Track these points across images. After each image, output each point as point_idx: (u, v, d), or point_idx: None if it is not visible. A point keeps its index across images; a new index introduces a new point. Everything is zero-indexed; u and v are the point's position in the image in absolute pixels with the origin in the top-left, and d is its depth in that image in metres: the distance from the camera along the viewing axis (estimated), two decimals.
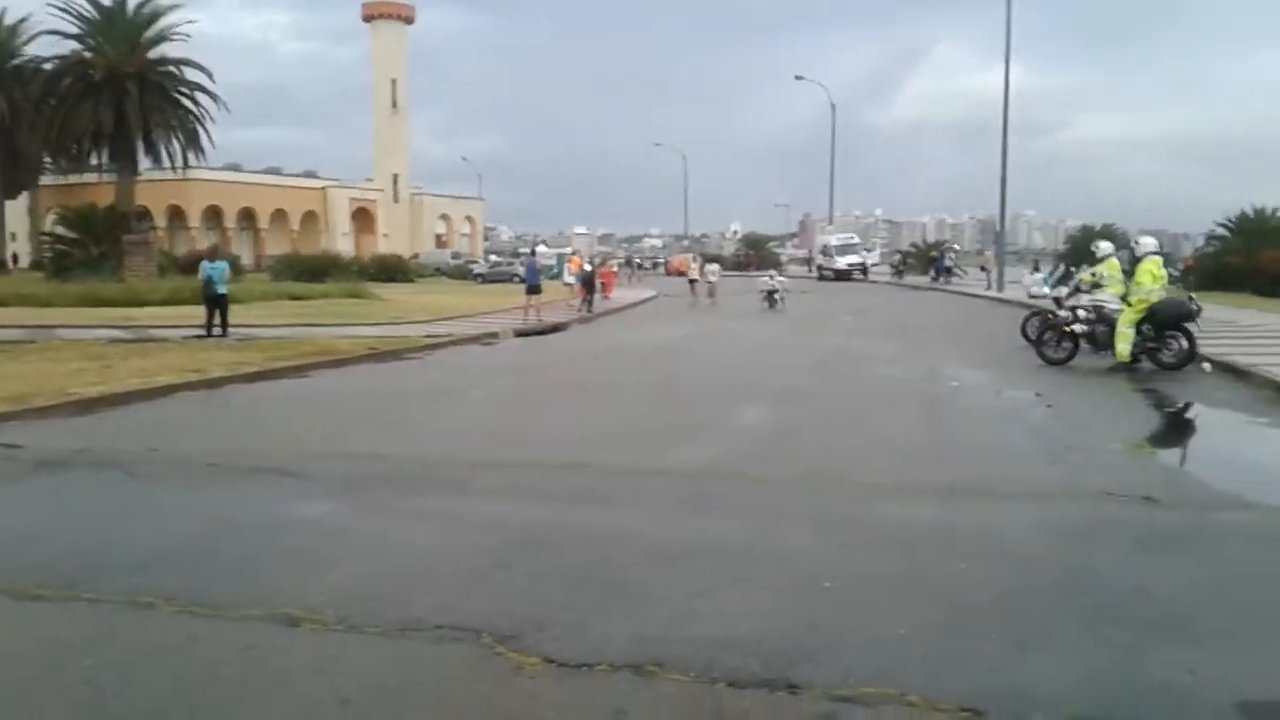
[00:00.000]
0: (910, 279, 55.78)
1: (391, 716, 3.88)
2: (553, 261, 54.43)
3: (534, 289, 26.65)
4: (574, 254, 40.62)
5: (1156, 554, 6.05)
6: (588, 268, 33.43)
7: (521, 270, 39.64)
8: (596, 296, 31.94)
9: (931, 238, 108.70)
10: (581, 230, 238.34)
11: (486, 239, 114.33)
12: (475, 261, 71.90)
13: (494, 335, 22.58)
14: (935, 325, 25.86)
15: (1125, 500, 7.23)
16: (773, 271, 38.72)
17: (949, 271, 50.06)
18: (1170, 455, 10.27)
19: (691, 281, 39.68)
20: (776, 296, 32.00)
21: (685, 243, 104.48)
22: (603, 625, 4.72)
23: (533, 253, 44.87)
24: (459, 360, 18.12)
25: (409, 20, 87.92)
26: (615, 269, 48.19)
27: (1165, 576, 5.54)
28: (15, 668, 4.28)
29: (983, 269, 51.54)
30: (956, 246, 69.51)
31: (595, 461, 8.72)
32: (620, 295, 38.77)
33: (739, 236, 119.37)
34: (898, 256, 68.65)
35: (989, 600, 5.10)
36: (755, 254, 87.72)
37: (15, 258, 61.02)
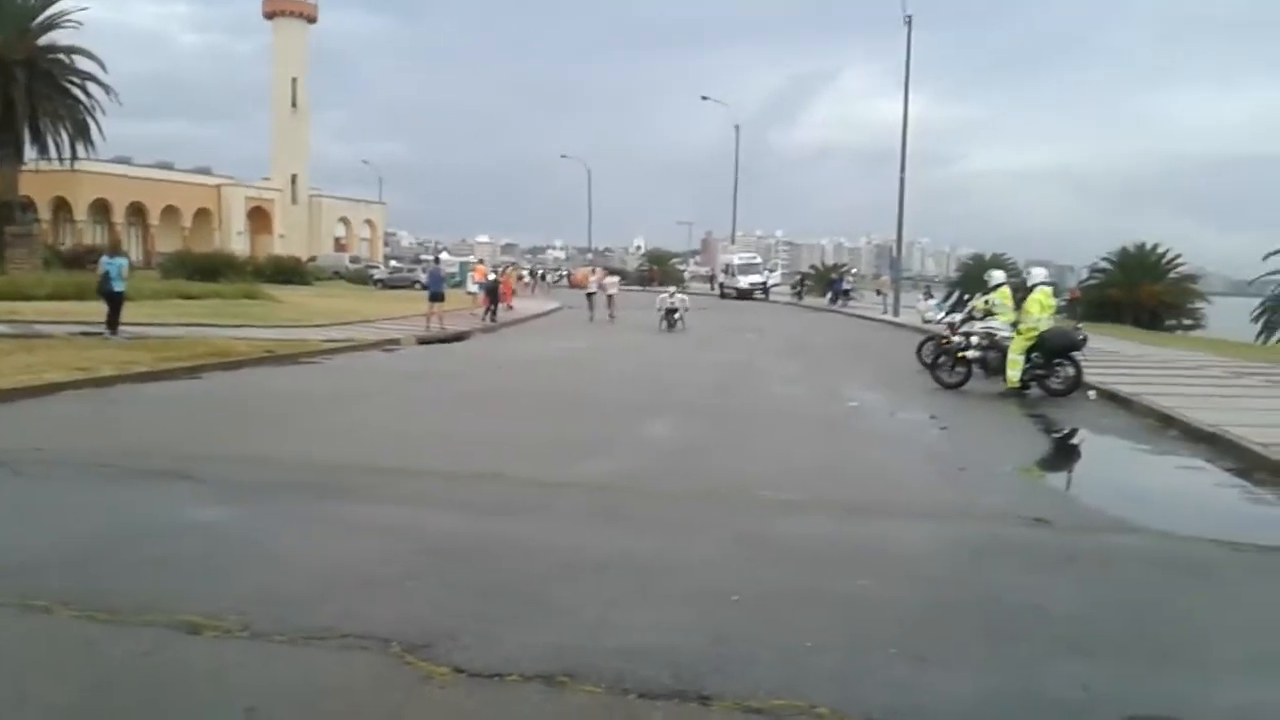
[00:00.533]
0: (809, 300, 56.90)
1: None
2: (455, 269, 54.01)
3: (437, 296, 26.49)
4: (479, 262, 40.37)
5: (1049, 574, 6.29)
6: (491, 276, 33.24)
7: (423, 277, 39.23)
8: (499, 306, 31.74)
9: (830, 260, 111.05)
10: (484, 239, 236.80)
11: (387, 244, 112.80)
12: (375, 266, 70.91)
13: (395, 342, 22.28)
14: (834, 346, 26.42)
15: (1018, 521, 7.50)
16: (673, 288, 36.46)
17: (847, 294, 51.24)
18: (1059, 479, 10.66)
19: (589, 295, 36.60)
20: (676, 316, 30.01)
21: (589, 255, 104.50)
22: (515, 635, 4.71)
23: (436, 260, 44.47)
24: (360, 365, 17.84)
25: (312, 19, 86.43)
26: (524, 277, 47.57)
27: (1058, 596, 5.76)
28: None
29: (879, 293, 52.87)
30: (855, 270, 71.17)
31: (505, 471, 8.68)
32: (523, 306, 38.59)
33: (643, 251, 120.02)
34: (798, 277, 69.90)
35: (891, 616, 5.24)
36: (659, 269, 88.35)
37: None
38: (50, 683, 4.03)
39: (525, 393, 15.02)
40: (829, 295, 52.13)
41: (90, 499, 7.29)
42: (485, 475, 8.55)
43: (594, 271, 46.91)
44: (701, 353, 22.79)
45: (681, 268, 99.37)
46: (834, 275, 59.16)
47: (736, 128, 64.85)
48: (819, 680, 4.32)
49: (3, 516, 6.71)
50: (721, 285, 63.94)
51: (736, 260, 63.31)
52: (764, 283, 61.07)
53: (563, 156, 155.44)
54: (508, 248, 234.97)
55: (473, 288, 35.29)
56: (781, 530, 7.13)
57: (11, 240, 33.92)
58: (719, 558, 6.28)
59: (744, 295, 58.37)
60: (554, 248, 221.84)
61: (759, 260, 69.27)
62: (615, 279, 40.59)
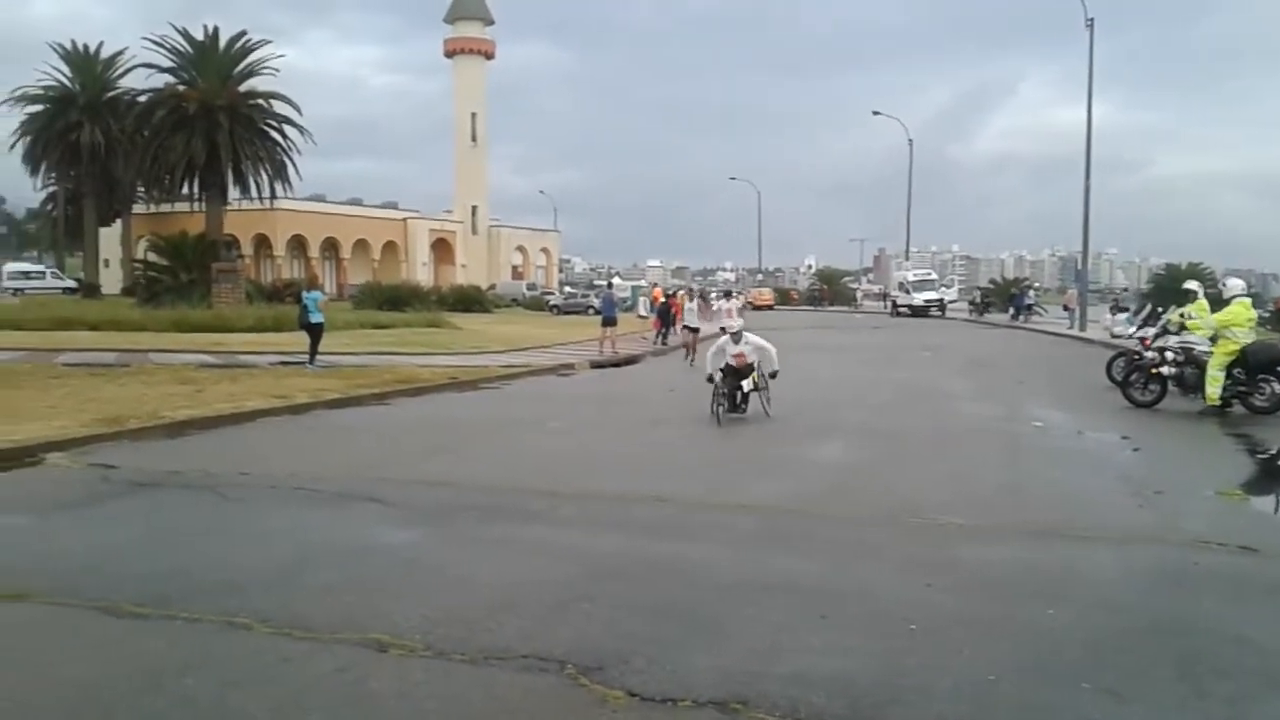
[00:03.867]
0: (988, 317, 54.99)
1: None
2: (627, 294, 54.81)
3: (610, 321, 26.81)
4: (654, 286, 40.74)
5: (1256, 604, 5.86)
6: (661, 300, 33.50)
7: (597, 302, 39.91)
8: (670, 330, 31.95)
9: (1010, 274, 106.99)
10: (655, 263, 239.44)
11: (561, 271, 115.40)
12: (551, 293, 72.61)
13: (570, 366, 22.75)
14: (1016, 364, 25.41)
15: (1221, 548, 7.03)
16: (735, 321, 19.31)
17: (1029, 309, 49.24)
18: (1266, 503, 9.94)
19: (688, 328, 26.25)
20: (746, 389, 14.06)
21: (759, 277, 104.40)
22: (686, 660, 4.72)
23: (609, 285, 45.18)
24: (536, 390, 18.29)
25: (489, 55, 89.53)
26: (719, 305, 45.19)
27: (1266, 628, 5.36)
28: (117, 687, 4.40)
29: (1065, 308, 50.57)
30: (1037, 284, 68.37)
31: (674, 494, 8.72)
32: (728, 325, 38.59)
33: (813, 270, 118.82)
34: (977, 293, 67.57)
35: (1080, 645, 4.99)
36: (829, 288, 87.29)
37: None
38: (250, 698, 4.28)
39: (694, 415, 15.05)
40: (1010, 311, 50.24)
41: (287, 520, 7.72)
42: (656, 498, 8.60)
43: (695, 296, 30.66)
44: (874, 371, 22.33)
45: (854, 286, 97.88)
46: (1015, 290, 56.97)
47: (910, 142, 63.64)
48: (1003, 714, 4.16)
49: (207, 537, 7.18)
50: (895, 302, 62.55)
51: (911, 276, 61.85)
52: (940, 299, 59.40)
53: (731, 178, 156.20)
54: (678, 271, 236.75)
55: (644, 311, 35.67)
56: (961, 555, 6.89)
57: (218, 276, 36.27)
58: (894, 583, 6.12)
59: (919, 312, 56.94)
60: (724, 269, 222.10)
61: (934, 276, 67.46)
62: (733, 303, 29.08)
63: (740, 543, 7.14)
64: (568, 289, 79.21)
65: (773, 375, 14.33)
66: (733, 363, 13.96)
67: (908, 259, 71.65)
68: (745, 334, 14.45)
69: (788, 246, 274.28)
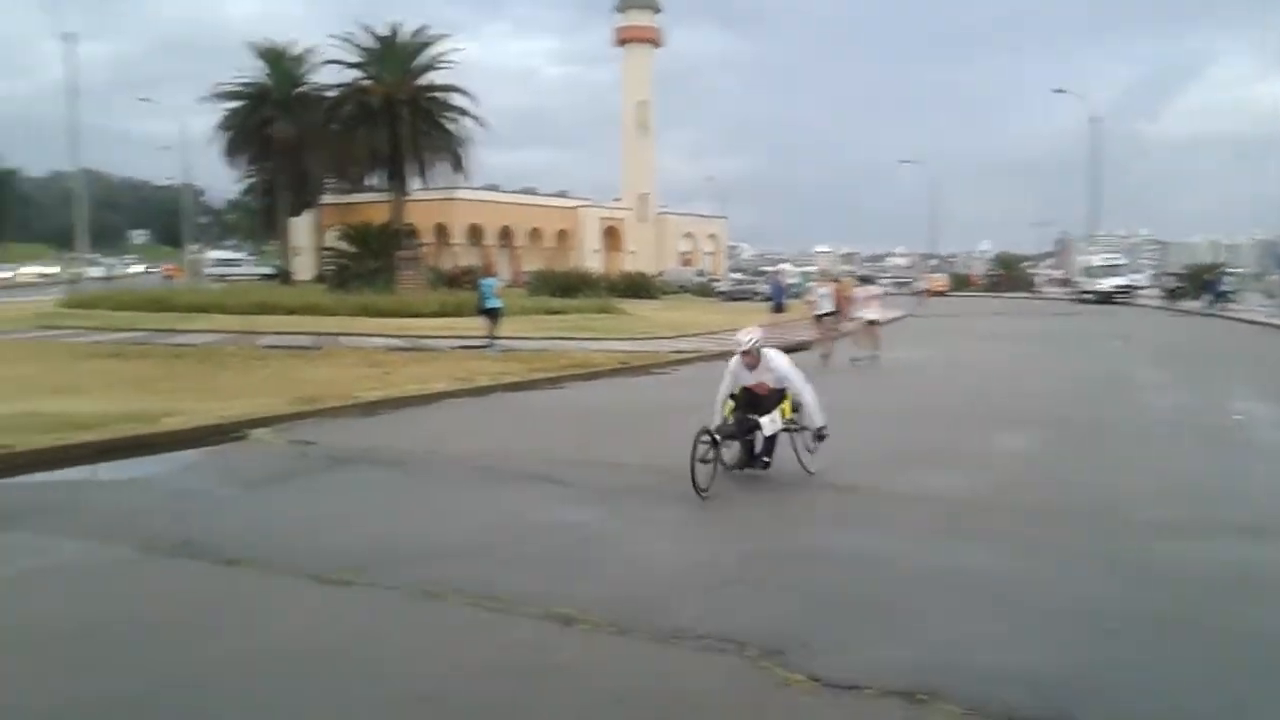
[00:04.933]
0: (1180, 304, 51.92)
1: (662, 718, 4.01)
2: (796, 280, 54.28)
3: (778, 307, 26.60)
4: (824, 272, 40.18)
5: None
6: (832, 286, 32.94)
7: (766, 288, 39.67)
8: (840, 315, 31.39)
9: (1203, 259, 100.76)
10: (824, 248, 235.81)
11: (729, 257, 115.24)
12: (718, 279, 72.63)
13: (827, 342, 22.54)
14: (1212, 353, 23.94)
15: None
16: (751, 335, 8.83)
17: (1225, 296, 46.18)
18: None
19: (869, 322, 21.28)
20: (760, 433, 8.58)
21: (933, 262, 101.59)
22: (869, 648, 4.68)
23: (778, 271, 44.85)
24: (705, 375, 18.26)
25: (657, 43, 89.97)
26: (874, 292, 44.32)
27: None
28: (326, 649, 4.68)
29: (1270, 295, 47.20)
30: (1235, 269, 64.12)
31: (852, 482, 8.62)
32: (864, 315, 37.98)
33: (990, 255, 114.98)
34: (1171, 279, 63.71)
35: None
36: (1008, 274, 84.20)
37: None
38: (447, 662, 4.48)
39: (867, 402, 14.81)
40: (1204, 298, 47.24)
41: (472, 497, 8.03)
42: (832, 485, 8.52)
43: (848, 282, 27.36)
44: (1060, 360, 21.43)
45: (1032, 271, 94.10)
46: (1209, 275, 53.53)
47: (1093, 121, 60.52)
48: (1199, 718, 3.95)
49: (401, 511, 7.54)
50: (1079, 289, 59.77)
51: (1096, 261, 58.93)
52: (1128, 285, 56.41)
53: (903, 162, 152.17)
54: (848, 256, 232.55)
55: (828, 308, 35.12)
56: (1161, 552, 6.57)
57: (401, 263, 37.78)
58: (1084, 579, 5.89)
59: (1105, 299, 54.19)
60: (895, 255, 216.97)
61: (1123, 261, 64.13)
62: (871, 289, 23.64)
63: (923, 533, 7.00)
64: (735, 275, 79.03)
65: (819, 436, 8.78)
66: (750, 385, 8.65)
67: (1093, 243, 68.37)
68: (766, 352, 8.60)
69: (963, 231, 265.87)
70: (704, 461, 7.81)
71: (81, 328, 23.63)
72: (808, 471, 8.62)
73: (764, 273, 66.29)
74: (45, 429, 9.47)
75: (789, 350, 22.53)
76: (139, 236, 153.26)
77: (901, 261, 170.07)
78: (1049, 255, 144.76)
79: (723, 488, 8.10)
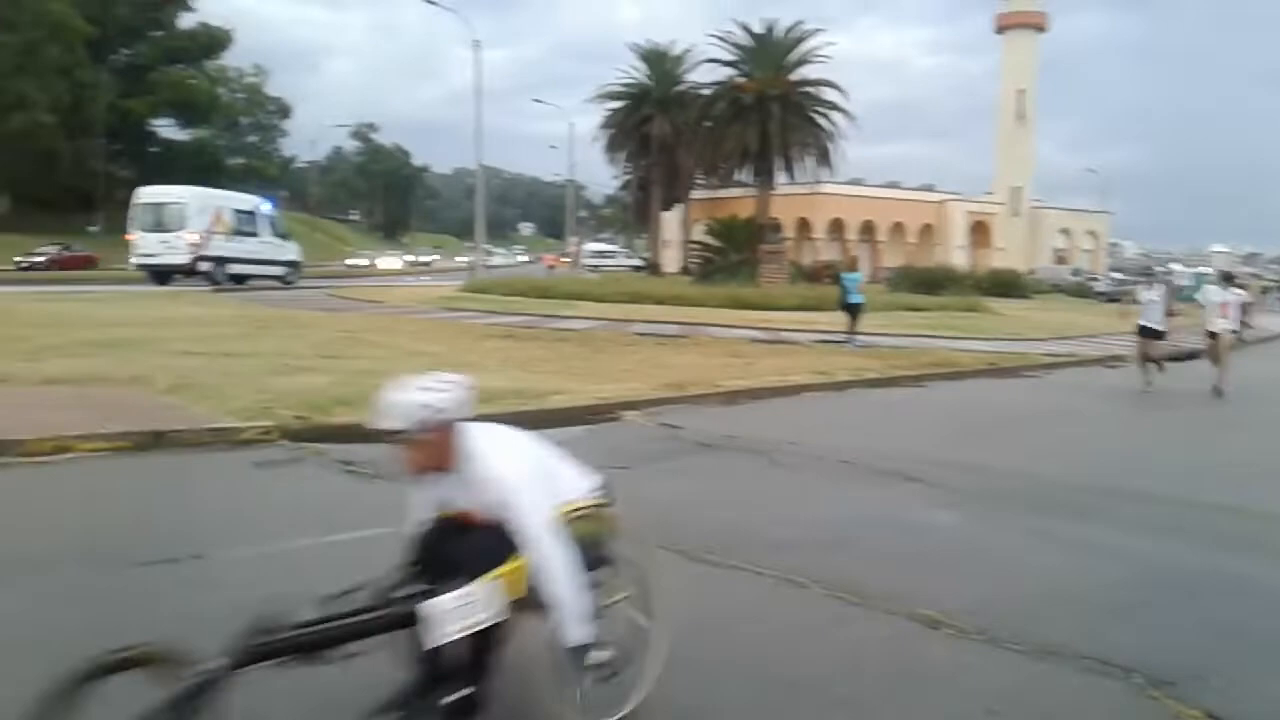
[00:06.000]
0: None
1: None
2: (1188, 281, 49.51)
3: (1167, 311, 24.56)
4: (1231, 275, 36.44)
5: None
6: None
7: (1153, 294, 36.57)
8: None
9: None
10: (1220, 248, 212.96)
11: (1110, 255, 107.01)
12: (1096, 279, 67.71)
13: (1119, 358, 21.06)
14: None
15: None
16: None
17: None
18: None
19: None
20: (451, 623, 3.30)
21: None
22: (1271, 687, 4.24)
23: (1168, 271, 41.25)
24: (1080, 381, 17.24)
25: (1041, 28, 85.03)
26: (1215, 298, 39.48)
27: None
28: (689, 624, 4.87)
29: None
30: None
31: (1252, 506, 7.80)
32: (1266, 323, 34.10)
33: None
34: None
35: None
36: None
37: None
38: (810, 648, 4.55)
39: (1271, 419, 13.31)
40: None
41: (832, 490, 8.06)
42: (1227, 507, 7.76)
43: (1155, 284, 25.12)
44: None
45: None
46: None
47: None
48: None
49: (763, 498, 7.71)
50: None
51: None
52: None
53: None
54: (1250, 257, 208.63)
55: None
56: None
57: (764, 257, 38.39)
58: None
59: None
60: None
61: None
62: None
63: None
64: (1116, 275, 73.23)
65: (591, 664, 3.41)
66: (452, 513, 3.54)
67: None
68: (470, 435, 3.47)
69: None
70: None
71: (478, 310, 26.07)
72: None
73: (1151, 273, 61.05)
74: None
75: (1176, 359, 20.58)
76: (526, 228, 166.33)
77: None
78: None
79: (1098, 502, 7.57)
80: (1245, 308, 18.14)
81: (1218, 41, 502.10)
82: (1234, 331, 16.45)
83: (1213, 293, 16.96)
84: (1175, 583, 5.79)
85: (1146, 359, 16.03)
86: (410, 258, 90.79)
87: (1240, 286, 19.04)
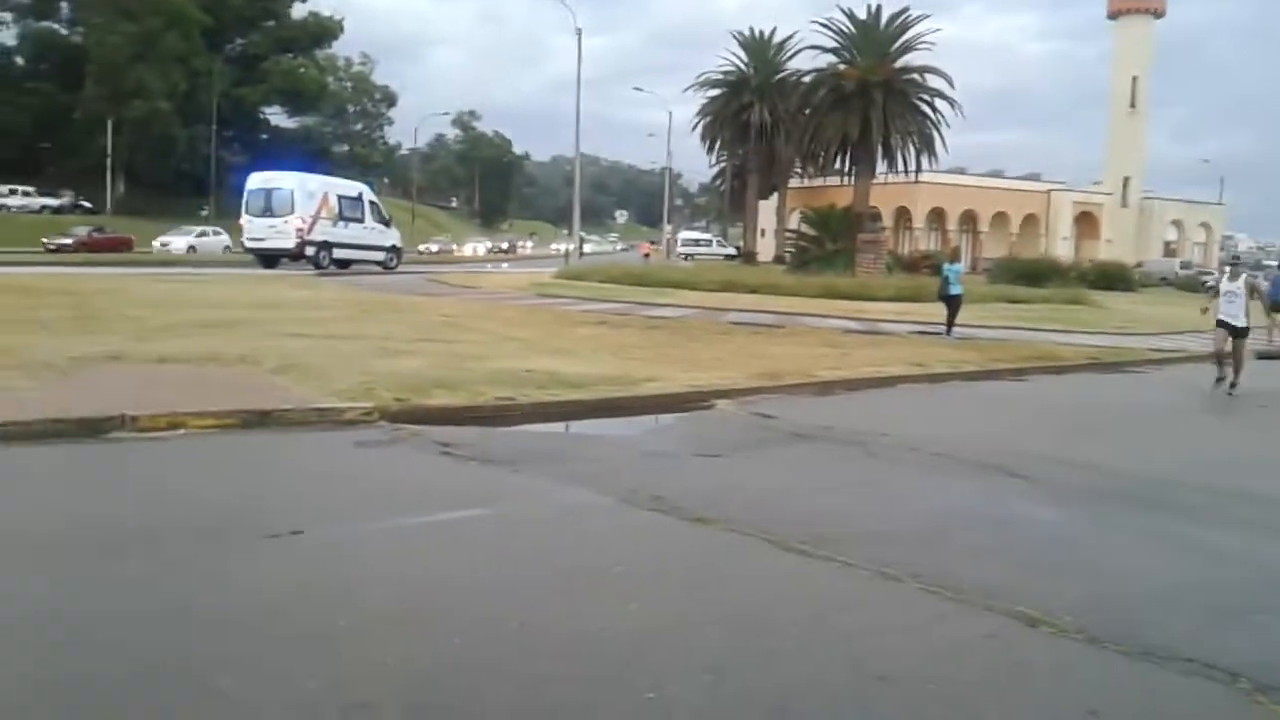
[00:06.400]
0: None
1: None
2: None
3: (1276, 306, 23.96)
4: None
5: None
6: None
7: (1265, 285, 35.15)
8: None
9: None
10: None
11: (1223, 248, 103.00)
12: (1208, 272, 65.27)
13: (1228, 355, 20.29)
14: None
15: None
16: None
17: None
18: None
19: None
20: None
21: None
22: None
23: (1278, 265, 39.66)
24: (1188, 378, 16.63)
25: (1159, 14, 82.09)
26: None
27: None
28: (782, 614, 4.86)
29: None
30: None
31: None
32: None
33: None
34: None
35: None
36: None
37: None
38: (905, 645, 4.48)
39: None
40: None
41: (929, 483, 7.92)
42: None
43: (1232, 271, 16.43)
44: None
45: None
46: None
47: None
48: None
49: (858, 489, 7.62)
50: None
51: None
52: None
53: None
54: None
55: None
56: None
57: (862, 246, 37.88)
58: None
59: None
60: None
61: None
62: None
63: None
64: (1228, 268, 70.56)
65: None
66: None
67: None
68: None
69: None
70: None
71: (573, 297, 26.29)
72: None
73: (1265, 267, 58.51)
74: (541, 385, 10.65)
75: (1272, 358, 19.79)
76: (621, 216, 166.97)
77: None
78: None
79: (1206, 502, 7.33)
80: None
81: None
82: (1246, 329, 14.43)
83: (1223, 282, 14.96)
84: None
85: (1223, 357, 14.29)
86: (489, 244, 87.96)
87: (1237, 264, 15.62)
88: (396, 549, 5.56)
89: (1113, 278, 50.19)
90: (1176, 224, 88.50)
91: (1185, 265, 70.97)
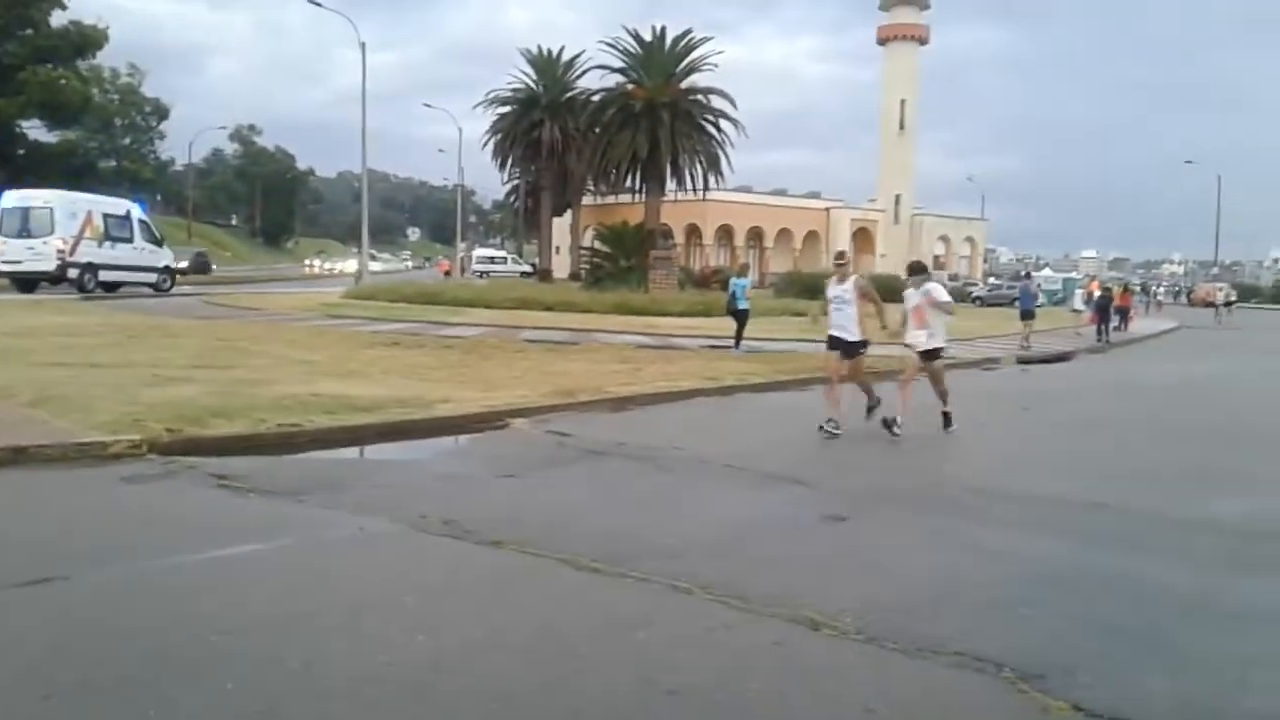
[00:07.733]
0: None
1: None
2: (1058, 286, 51.64)
3: (1028, 314, 26.31)
4: (1091, 279, 38.32)
5: None
6: (1097, 293, 31.53)
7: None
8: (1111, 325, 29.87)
9: None
10: (1090, 253, 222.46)
11: (986, 261, 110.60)
12: (974, 284, 70.04)
13: (995, 361, 21.84)
14: None
15: None
16: None
17: None
18: None
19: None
20: None
21: (1214, 271, 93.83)
22: (1138, 681, 4.39)
23: (1027, 275, 43.08)
24: (959, 385, 17.69)
25: (923, 41, 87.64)
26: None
27: None
28: (577, 630, 4.85)
29: None
30: None
31: (1120, 503, 8.11)
32: (1137, 326, 35.77)
33: None
34: None
35: None
36: None
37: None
38: (694, 657, 4.54)
39: (1140, 419, 13.90)
40: None
41: (719, 494, 8.10)
42: (1096, 504, 8.07)
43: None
44: None
45: None
46: None
47: None
48: None
49: (650, 504, 7.71)
50: None
51: None
52: None
53: (1187, 162, 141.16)
54: (1116, 262, 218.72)
55: (1079, 305, 33.70)
56: None
57: (654, 263, 38.49)
58: None
59: None
60: (1171, 262, 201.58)
61: None
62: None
63: (1198, 562, 6.49)
64: (991, 280, 75.93)
65: None
66: None
67: None
68: None
69: (1249, 239, 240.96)
70: None
71: (363, 317, 25.54)
72: None
73: (1023, 279, 63.32)
74: (328, 410, 10.28)
75: (1045, 362, 21.70)
76: (414, 233, 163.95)
77: (1178, 269, 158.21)
78: None
79: (980, 502, 7.80)
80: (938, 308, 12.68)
81: (1093, 55, 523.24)
82: (935, 350, 12.61)
83: (909, 295, 12.88)
84: (1052, 580, 5.94)
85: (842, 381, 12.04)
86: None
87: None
88: (164, 592, 5.21)
89: (886, 289, 52.91)
90: (944, 239, 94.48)
91: (953, 277, 75.85)
